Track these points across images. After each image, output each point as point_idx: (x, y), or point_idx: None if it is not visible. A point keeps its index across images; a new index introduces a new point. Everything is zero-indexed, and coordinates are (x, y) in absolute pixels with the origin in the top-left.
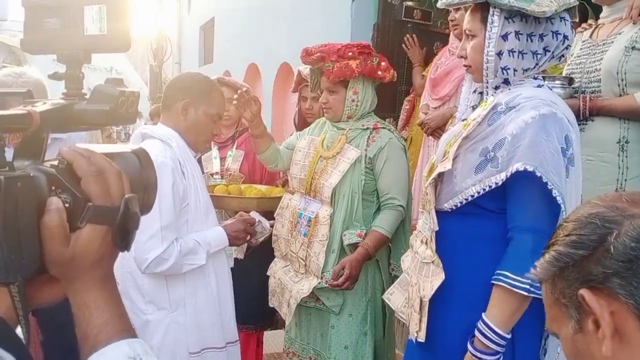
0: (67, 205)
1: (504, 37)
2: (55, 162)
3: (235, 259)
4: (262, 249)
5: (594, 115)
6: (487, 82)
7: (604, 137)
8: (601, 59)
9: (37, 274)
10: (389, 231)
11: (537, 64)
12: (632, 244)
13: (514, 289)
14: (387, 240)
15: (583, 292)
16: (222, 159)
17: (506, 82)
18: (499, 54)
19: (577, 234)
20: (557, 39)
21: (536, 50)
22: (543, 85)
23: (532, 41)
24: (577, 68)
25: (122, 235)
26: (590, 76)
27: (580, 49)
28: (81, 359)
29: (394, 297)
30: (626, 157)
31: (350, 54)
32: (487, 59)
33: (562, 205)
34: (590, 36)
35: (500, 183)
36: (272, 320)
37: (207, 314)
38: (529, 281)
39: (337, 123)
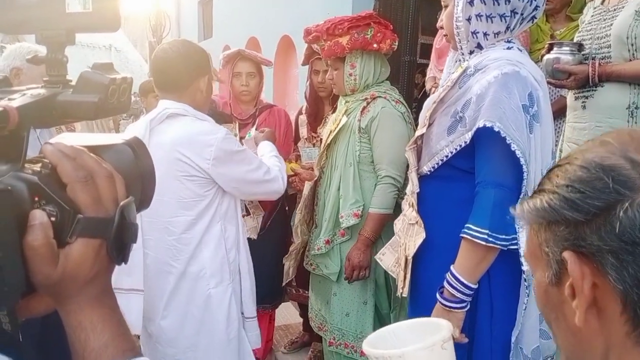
0: (53, 218)
1: (470, 2)
2: (38, 167)
3: (249, 239)
4: (275, 230)
5: (604, 81)
6: (462, 48)
7: (614, 103)
8: (611, 24)
9: (24, 295)
10: (385, 207)
11: (507, 27)
12: None
13: (475, 240)
14: (386, 216)
15: (567, 255)
16: (241, 138)
17: (479, 46)
18: (468, 20)
19: (580, 191)
20: (523, 1)
21: (504, 13)
22: (513, 47)
23: (498, 4)
24: (587, 34)
25: (118, 248)
26: (600, 42)
27: (592, 15)
28: None
29: (386, 257)
30: (635, 122)
31: (340, 30)
32: (456, 25)
33: (521, 159)
34: (602, 2)
35: (468, 141)
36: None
37: (250, 280)
38: (486, 231)
39: (345, 97)
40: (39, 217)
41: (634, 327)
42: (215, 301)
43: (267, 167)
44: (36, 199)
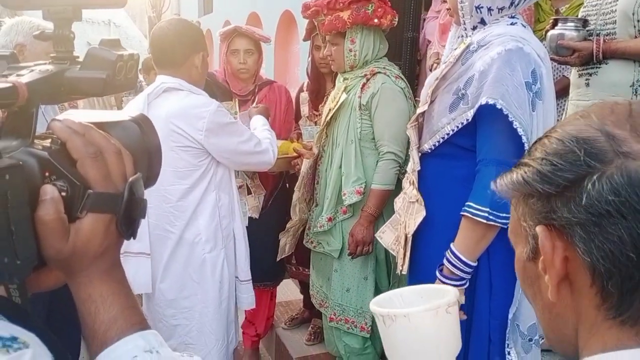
0: (63, 194)
1: None
2: (48, 143)
3: (250, 218)
4: (276, 209)
5: (608, 58)
6: (465, 23)
7: (618, 80)
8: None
9: (35, 269)
10: (387, 183)
11: (512, 2)
12: (610, 197)
13: (476, 218)
14: (388, 192)
15: (539, 230)
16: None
17: (482, 22)
18: None
19: (552, 164)
20: None
21: None
22: (516, 23)
23: None
24: (592, 10)
25: (127, 223)
26: (605, 18)
27: None
28: (89, 357)
29: (386, 235)
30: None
31: (341, 5)
32: None
33: (523, 137)
34: None
35: (470, 119)
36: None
37: (244, 245)
38: (487, 209)
39: (343, 74)
40: (50, 191)
41: (603, 300)
42: (209, 265)
43: (257, 140)
44: (47, 174)
